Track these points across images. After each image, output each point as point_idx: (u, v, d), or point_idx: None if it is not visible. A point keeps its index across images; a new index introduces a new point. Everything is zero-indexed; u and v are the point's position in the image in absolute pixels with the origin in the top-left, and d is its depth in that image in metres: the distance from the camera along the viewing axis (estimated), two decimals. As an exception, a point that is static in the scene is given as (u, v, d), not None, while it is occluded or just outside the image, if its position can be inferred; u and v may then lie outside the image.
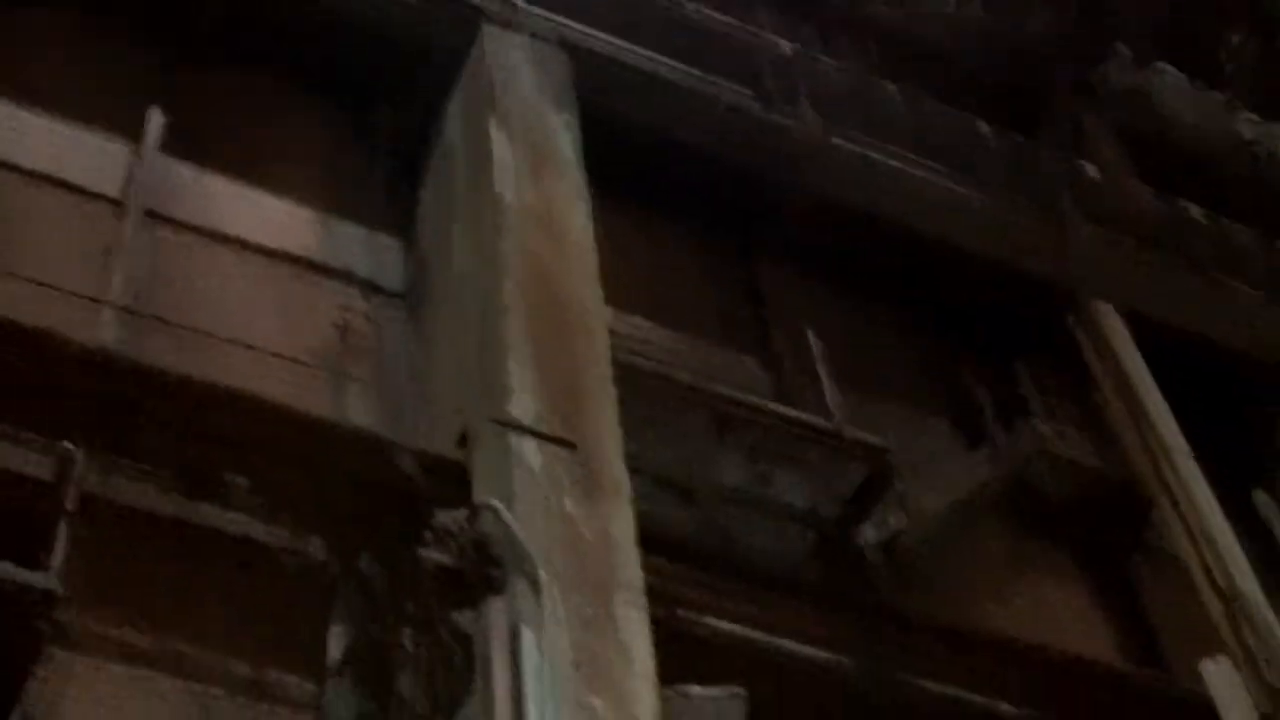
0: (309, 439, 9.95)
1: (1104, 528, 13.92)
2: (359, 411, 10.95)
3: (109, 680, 9.04)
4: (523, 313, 10.50)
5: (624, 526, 9.70)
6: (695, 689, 8.80)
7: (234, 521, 9.85)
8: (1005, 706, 11.08)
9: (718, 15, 14.51)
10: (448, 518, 9.53)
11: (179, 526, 9.65)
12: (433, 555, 9.42)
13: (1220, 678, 11.22)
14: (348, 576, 9.94)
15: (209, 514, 9.78)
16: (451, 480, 9.89)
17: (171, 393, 9.70)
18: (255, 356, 10.11)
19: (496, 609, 9.18)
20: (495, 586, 9.31)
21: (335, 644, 9.83)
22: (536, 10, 12.86)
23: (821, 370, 12.59)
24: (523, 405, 9.97)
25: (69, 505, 8.99)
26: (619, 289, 11.65)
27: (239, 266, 11.61)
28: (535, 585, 9.17)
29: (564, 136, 12.02)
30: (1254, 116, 17.40)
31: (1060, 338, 14.78)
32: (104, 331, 10.21)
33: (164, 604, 9.39)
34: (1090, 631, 13.10)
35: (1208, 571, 12.34)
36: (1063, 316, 14.86)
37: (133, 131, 11.66)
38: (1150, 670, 12.66)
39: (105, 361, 9.68)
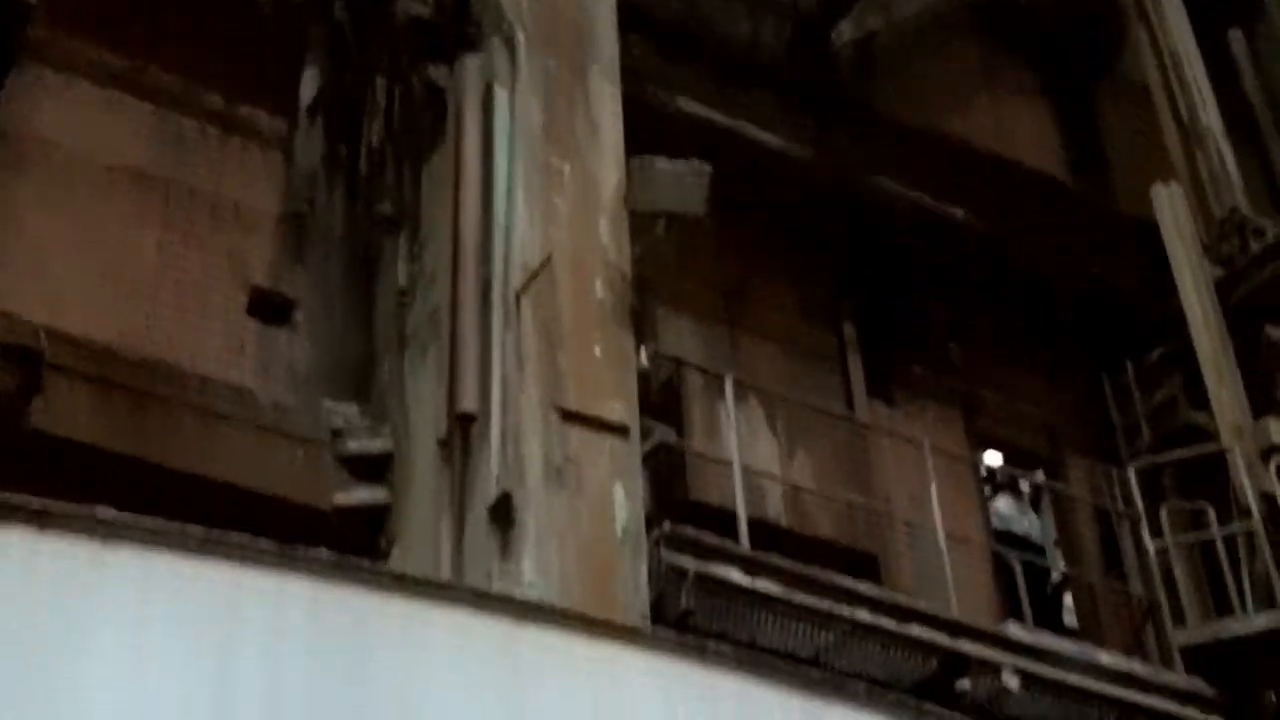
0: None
1: (1075, 50, 13.89)
2: None
3: (82, 99, 9.08)
4: None
5: (604, -2, 9.60)
6: (661, 160, 8.91)
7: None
8: (956, 210, 11.33)
9: None
10: (427, -29, 9.41)
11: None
12: (409, 6, 9.34)
13: (1168, 202, 11.43)
14: (322, 21, 9.88)
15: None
16: (430, -64, 9.69)
17: None
18: None
19: (471, 66, 9.20)
20: (471, 43, 9.30)
21: (307, 88, 9.86)
22: None
23: None
24: None
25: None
26: None
27: None
28: (511, 46, 9.16)
29: None
30: None
31: None
32: None
33: (139, 30, 9.34)
34: (1047, 149, 13.24)
35: (1172, 100, 12.36)
36: None
37: None
38: (1099, 190, 12.88)
39: None
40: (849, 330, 11.14)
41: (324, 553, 5.35)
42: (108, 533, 4.98)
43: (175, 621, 5.01)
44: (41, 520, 4.92)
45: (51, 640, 4.81)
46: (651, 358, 9.04)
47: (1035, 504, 12.35)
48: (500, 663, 5.47)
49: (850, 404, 10.85)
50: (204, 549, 5.09)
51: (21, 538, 4.89)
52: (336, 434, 8.70)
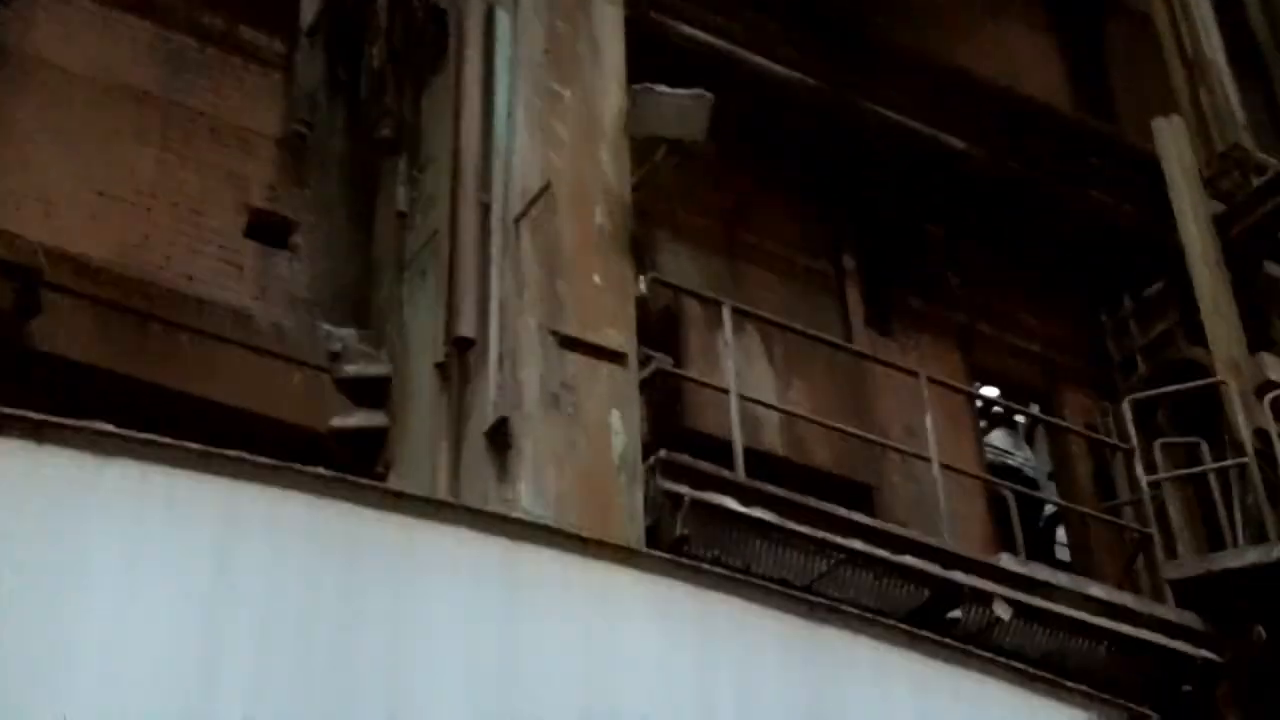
0: None
1: (1081, -20, 13.84)
2: None
3: (81, 18, 9.02)
4: None
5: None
6: (662, 87, 8.86)
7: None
8: (958, 140, 11.29)
9: None
10: (426, -99, 9.31)
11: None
12: (411, -75, 9.28)
13: (1170, 135, 11.39)
14: (323, -60, 9.81)
15: None
16: None
17: None
18: None
19: (474, -12, 9.15)
20: (474, -36, 9.24)
21: (308, 8, 9.80)
22: None
23: None
24: None
25: None
26: None
27: None
28: (514, -32, 9.10)
29: None
30: None
31: None
32: None
33: (135, -42, 9.29)
34: (1051, 80, 13.19)
35: (1176, 33, 12.29)
36: None
37: None
38: (1103, 122, 12.83)
39: None
40: (848, 260, 11.13)
41: (321, 470, 5.37)
42: (105, 446, 5.02)
43: (170, 532, 5.05)
44: (40, 432, 4.96)
45: (49, 548, 4.86)
46: (650, 285, 9.03)
47: (1030, 437, 12.40)
48: (495, 580, 5.52)
49: (848, 334, 10.85)
50: (201, 463, 5.13)
51: (20, 449, 4.94)
52: (334, 357, 8.69)
